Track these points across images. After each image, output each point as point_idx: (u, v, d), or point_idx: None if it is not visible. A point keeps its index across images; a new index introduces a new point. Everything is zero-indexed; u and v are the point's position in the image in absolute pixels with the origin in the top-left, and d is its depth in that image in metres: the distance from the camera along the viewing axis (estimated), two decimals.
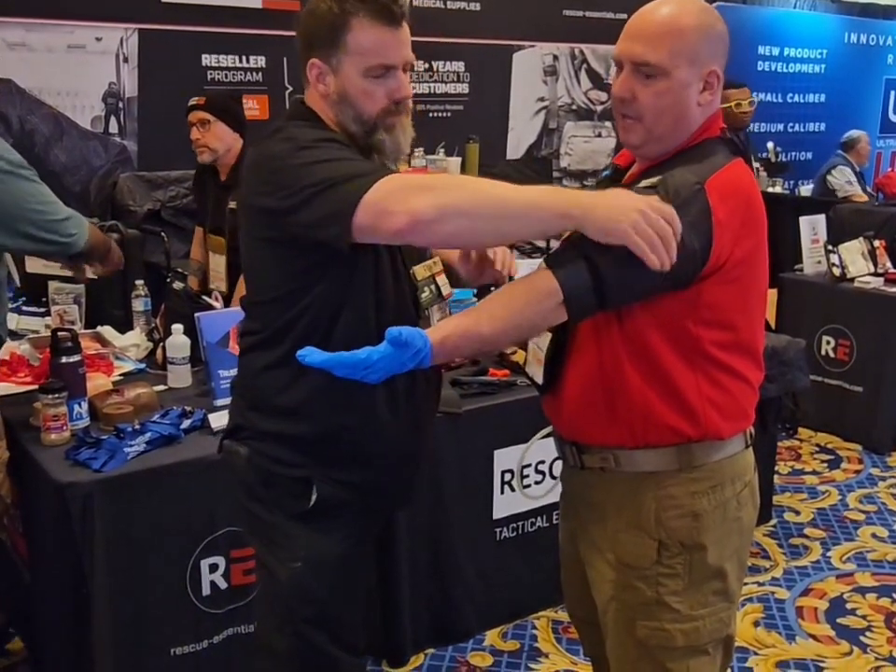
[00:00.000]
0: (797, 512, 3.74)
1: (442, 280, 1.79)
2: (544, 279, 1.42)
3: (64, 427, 2.23)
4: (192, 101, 3.17)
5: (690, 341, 1.53)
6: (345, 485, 1.66)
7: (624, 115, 1.56)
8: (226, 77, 4.70)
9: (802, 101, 7.41)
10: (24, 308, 2.99)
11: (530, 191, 1.41)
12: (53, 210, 2.23)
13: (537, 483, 2.79)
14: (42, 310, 2.99)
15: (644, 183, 1.48)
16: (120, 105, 4.44)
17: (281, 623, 1.71)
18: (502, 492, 2.75)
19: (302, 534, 1.65)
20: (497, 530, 2.78)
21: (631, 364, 1.53)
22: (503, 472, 2.74)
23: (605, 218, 1.36)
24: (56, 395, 2.21)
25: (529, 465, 2.78)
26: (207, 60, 4.65)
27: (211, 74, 4.68)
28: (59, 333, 2.36)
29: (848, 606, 3.04)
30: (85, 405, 2.31)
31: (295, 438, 1.63)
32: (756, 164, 5.70)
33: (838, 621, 2.95)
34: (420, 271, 1.71)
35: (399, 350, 1.36)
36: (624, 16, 4.78)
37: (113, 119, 4.43)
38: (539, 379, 1.65)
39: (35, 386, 2.36)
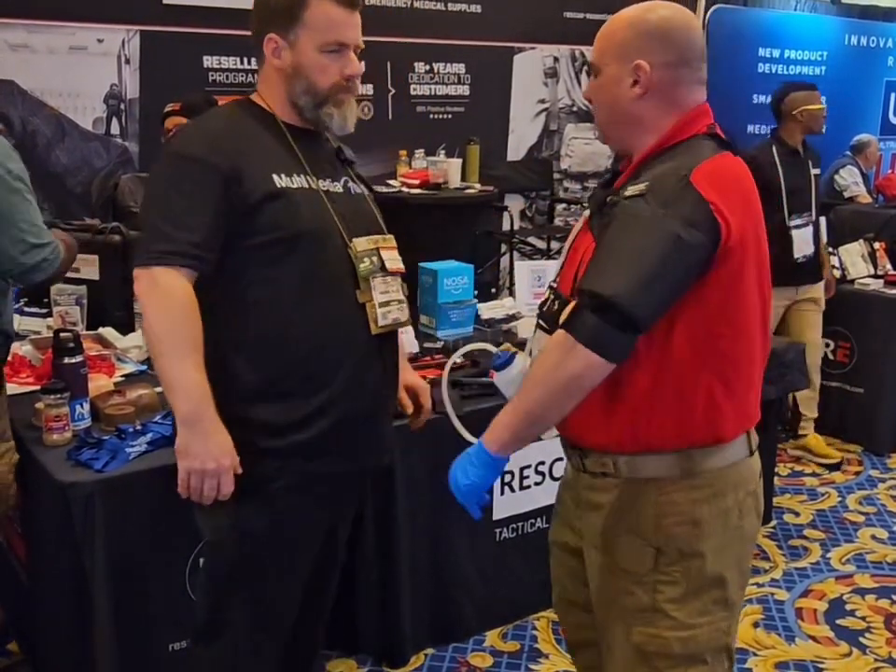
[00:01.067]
0: (797, 514, 3.74)
1: (390, 255, 1.84)
2: (554, 337, 1.50)
3: (66, 428, 2.23)
4: (168, 107, 3.20)
5: (705, 338, 1.54)
6: (272, 456, 1.71)
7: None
8: (227, 79, 4.71)
9: None
10: (26, 309, 2.99)
11: (183, 373, 1.62)
12: (34, 234, 2.16)
13: (537, 484, 2.80)
14: (44, 311, 2.99)
15: (630, 192, 1.50)
16: (122, 106, 4.45)
17: (204, 595, 1.79)
18: (502, 493, 2.76)
19: (229, 503, 1.69)
20: (497, 531, 2.78)
21: (644, 365, 1.52)
22: (503, 473, 2.74)
23: (189, 444, 1.61)
24: (58, 395, 2.21)
25: (529, 466, 2.78)
26: (209, 61, 4.66)
27: (213, 75, 4.68)
28: (61, 334, 2.36)
29: (848, 607, 3.05)
30: (87, 406, 2.31)
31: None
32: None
33: (837, 622, 2.95)
34: (361, 243, 1.78)
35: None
36: None
37: (115, 121, 4.44)
38: None
39: (37, 387, 2.37)
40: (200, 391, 1.62)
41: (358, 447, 1.82)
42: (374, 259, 1.79)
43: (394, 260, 1.84)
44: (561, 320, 1.47)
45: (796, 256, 3.94)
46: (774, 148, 3.96)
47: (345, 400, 1.75)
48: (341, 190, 1.81)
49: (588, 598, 1.79)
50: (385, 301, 1.79)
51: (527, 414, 1.53)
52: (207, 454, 1.62)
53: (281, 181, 1.69)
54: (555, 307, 1.61)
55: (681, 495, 1.59)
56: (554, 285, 1.68)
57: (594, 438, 1.63)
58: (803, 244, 3.96)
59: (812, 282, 4.08)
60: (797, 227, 3.94)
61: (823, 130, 4.11)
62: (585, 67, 5.93)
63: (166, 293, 1.62)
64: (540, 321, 1.68)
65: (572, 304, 1.47)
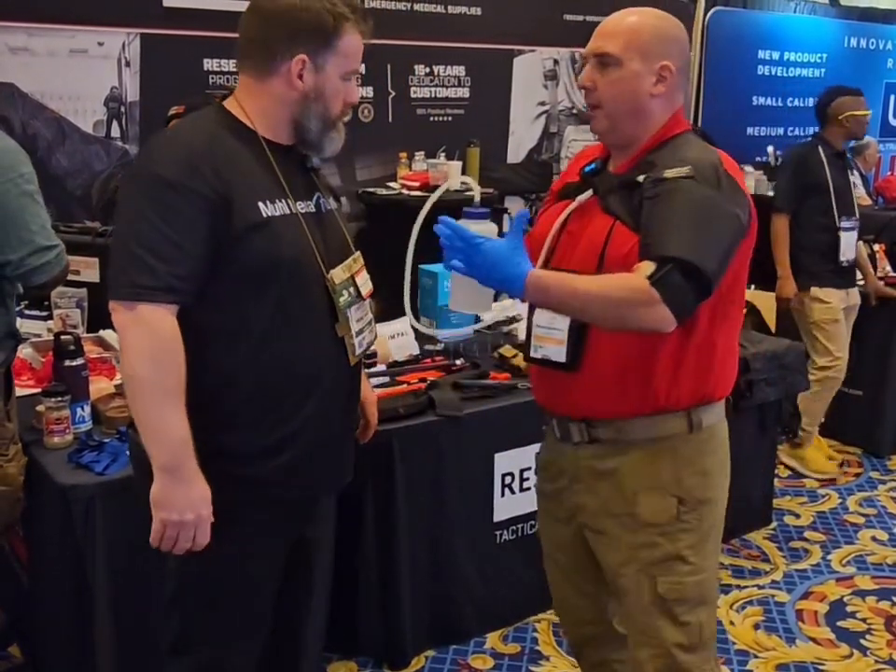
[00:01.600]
0: (797, 516, 3.74)
1: (362, 279, 1.81)
2: (634, 281, 1.55)
3: (67, 431, 2.24)
4: (172, 110, 3.19)
5: (724, 304, 1.70)
6: (240, 483, 1.66)
7: (590, 105, 1.77)
8: (227, 81, 4.70)
9: (802, 105, 7.40)
10: (27, 312, 2.99)
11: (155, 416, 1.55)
12: (44, 236, 2.17)
13: None
14: (45, 314, 2.99)
15: (672, 174, 1.61)
16: (122, 109, 4.45)
17: (173, 610, 1.75)
18: (503, 494, 2.76)
19: (203, 552, 1.64)
20: (498, 533, 2.79)
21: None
22: (503, 475, 2.75)
23: (168, 495, 1.56)
24: (59, 398, 2.22)
25: (529, 468, 2.78)
26: (209, 64, 4.65)
27: (213, 78, 4.68)
28: (62, 337, 2.37)
29: (848, 609, 3.05)
30: (87, 408, 2.32)
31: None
32: (748, 167, 5.72)
33: (838, 624, 2.95)
34: (339, 273, 1.73)
35: (509, 247, 1.55)
36: None
37: (115, 124, 4.44)
38: (562, 357, 1.73)
39: (38, 390, 2.37)
40: (181, 440, 1.55)
41: (326, 471, 1.79)
42: (351, 289, 1.75)
43: (365, 284, 1.81)
44: (644, 273, 1.53)
45: (842, 259, 3.95)
46: (820, 149, 3.97)
47: (315, 429, 1.70)
48: (314, 210, 1.75)
49: (591, 589, 1.92)
50: (361, 329, 1.77)
51: (572, 309, 1.61)
52: (187, 504, 1.56)
53: (266, 209, 1.62)
54: None
55: (691, 447, 1.76)
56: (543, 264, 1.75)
57: (606, 406, 1.74)
58: (848, 247, 3.96)
59: (853, 286, 4.12)
60: (846, 229, 3.94)
61: (864, 136, 4.13)
62: (582, 62, 5.93)
63: (153, 334, 1.54)
64: None
65: (651, 263, 1.53)
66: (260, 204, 1.62)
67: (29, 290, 2.31)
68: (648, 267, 1.54)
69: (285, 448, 1.69)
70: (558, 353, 1.74)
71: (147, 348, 1.54)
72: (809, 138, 4.26)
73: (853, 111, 3.98)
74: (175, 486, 1.56)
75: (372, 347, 2.75)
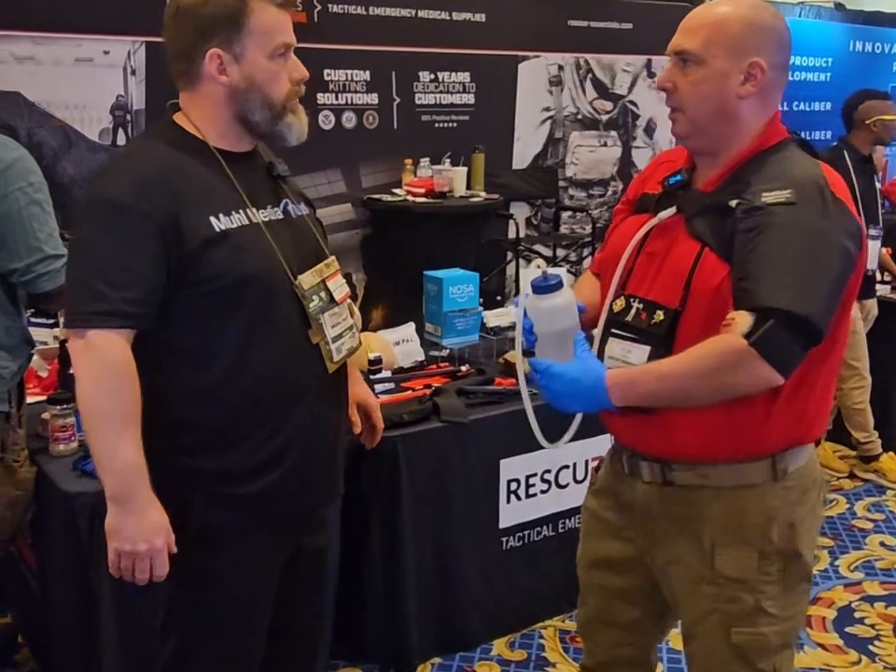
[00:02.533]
0: None
1: (336, 283, 1.75)
2: (732, 339, 1.42)
3: (73, 438, 2.24)
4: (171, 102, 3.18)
5: (829, 345, 1.53)
6: (226, 503, 1.65)
7: (671, 107, 1.59)
8: None
9: (808, 109, 7.40)
10: (32, 320, 2.99)
11: (119, 449, 1.52)
12: (50, 245, 2.17)
13: (543, 492, 2.79)
14: (50, 321, 2.99)
15: (773, 198, 1.45)
16: (128, 117, 4.46)
17: (167, 630, 1.74)
18: (508, 501, 2.75)
19: (164, 586, 1.63)
20: (504, 539, 2.78)
21: None
22: (509, 481, 2.74)
23: (119, 525, 1.53)
24: (64, 406, 2.22)
25: (535, 474, 2.78)
26: None
27: None
28: (67, 345, 2.37)
29: (857, 615, 3.03)
30: None
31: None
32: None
33: (846, 630, 2.94)
34: (307, 279, 1.68)
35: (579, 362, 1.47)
36: (629, 25, 4.88)
37: (121, 132, 4.45)
38: None
39: (44, 398, 2.37)
40: (132, 470, 1.52)
41: (314, 485, 1.75)
42: (322, 294, 1.69)
43: (340, 288, 1.75)
44: (740, 331, 1.40)
45: (868, 267, 3.86)
46: (846, 154, 3.89)
47: (301, 443, 1.67)
48: (281, 216, 1.70)
49: (638, 615, 1.78)
50: (338, 335, 1.71)
51: (667, 395, 1.48)
52: (138, 534, 1.53)
53: (220, 223, 1.57)
54: (650, 318, 1.55)
55: (777, 498, 1.60)
56: (624, 291, 1.62)
57: (687, 449, 1.59)
58: (873, 257, 3.89)
59: (873, 297, 4.08)
60: (872, 238, 3.86)
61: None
62: (590, 75, 5.93)
63: (101, 361, 1.51)
64: (617, 330, 1.60)
65: (748, 316, 1.40)
66: (212, 219, 1.57)
67: (35, 301, 2.31)
68: (744, 321, 1.40)
69: (276, 464, 1.65)
70: None
71: (96, 376, 1.52)
72: (834, 143, 4.15)
73: (882, 115, 3.90)
74: (126, 516, 1.53)
75: (377, 354, 2.78)
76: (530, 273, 1.65)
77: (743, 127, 1.57)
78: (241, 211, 1.62)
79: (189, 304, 1.58)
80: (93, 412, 1.54)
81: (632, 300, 1.60)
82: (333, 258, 1.79)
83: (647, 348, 1.54)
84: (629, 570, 1.75)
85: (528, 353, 1.59)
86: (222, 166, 1.63)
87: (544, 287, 1.52)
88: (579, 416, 1.65)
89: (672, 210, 1.59)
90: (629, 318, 1.59)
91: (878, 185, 4.07)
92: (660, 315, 1.54)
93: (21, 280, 2.18)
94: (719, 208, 1.53)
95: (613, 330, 1.61)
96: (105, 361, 1.51)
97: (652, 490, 1.66)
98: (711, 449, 1.58)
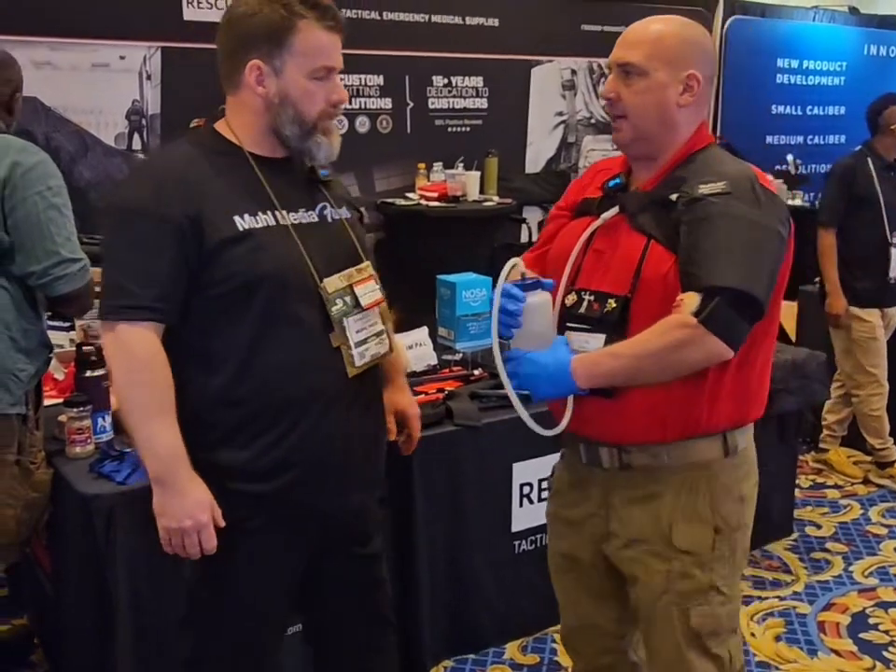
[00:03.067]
0: (819, 526, 3.71)
1: (365, 288, 1.76)
2: (677, 319, 1.54)
3: (89, 441, 2.26)
4: (193, 123, 3.20)
5: (763, 324, 1.63)
6: (244, 499, 1.68)
7: (614, 115, 1.71)
8: None
9: (822, 113, 7.37)
10: (49, 323, 3.00)
11: (157, 438, 1.60)
12: (68, 248, 2.20)
13: None
14: (67, 325, 3.01)
15: (708, 190, 1.58)
16: (144, 121, 4.49)
17: (189, 626, 1.79)
18: (521, 505, 2.76)
19: (220, 556, 1.67)
20: (516, 543, 2.78)
21: None
22: (522, 485, 2.75)
23: (164, 504, 1.61)
24: (81, 408, 2.24)
25: (547, 478, 2.77)
26: None
27: None
28: (83, 348, 2.39)
29: (871, 621, 3.02)
30: (109, 418, 2.34)
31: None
32: (769, 176, 5.65)
33: (860, 636, 2.93)
34: (333, 282, 1.71)
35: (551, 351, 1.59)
36: None
37: (136, 136, 4.48)
38: None
39: (61, 400, 2.39)
40: (169, 451, 1.60)
41: (332, 490, 1.75)
42: (347, 298, 1.71)
43: (370, 294, 1.77)
44: (689, 309, 1.51)
45: (891, 276, 3.86)
46: (869, 160, 3.85)
47: (317, 445, 1.69)
48: (315, 220, 1.74)
49: (613, 615, 1.85)
50: (363, 340, 1.73)
51: (628, 374, 1.58)
52: (182, 512, 1.60)
53: (244, 223, 1.62)
54: (603, 307, 1.65)
55: (727, 474, 1.71)
56: (571, 285, 1.71)
57: (643, 431, 1.67)
58: None
59: (895, 304, 4.01)
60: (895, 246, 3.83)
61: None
62: (603, 79, 5.93)
63: (130, 351, 1.59)
64: (572, 322, 1.69)
65: (696, 296, 1.51)
66: (236, 218, 1.62)
67: (53, 304, 2.34)
68: (692, 300, 1.51)
69: (289, 465, 1.68)
70: None
71: (126, 367, 1.61)
72: (858, 147, 4.09)
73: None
74: (169, 497, 1.61)
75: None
76: (505, 270, 1.69)
77: (680, 133, 1.70)
78: (269, 212, 1.67)
79: (204, 304, 1.63)
80: (126, 401, 1.63)
81: (583, 293, 1.70)
82: (368, 263, 1.81)
83: (602, 336, 1.65)
84: (594, 566, 1.82)
85: (504, 345, 1.68)
86: (253, 169, 1.68)
87: (527, 285, 1.66)
88: (570, 403, 1.70)
89: (615, 210, 1.70)
90: (582, 310, 1.69)
91: None
92: (612, 304, 1.65)
93: (38, 283, 2.20)
94: (661, 203, 1.64)
95: (568, 324, 1.70)
96: (133, 352, 1.60)
97: (610, 476, 1.74)
98: (663, 429, 1.66)
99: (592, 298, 1.68)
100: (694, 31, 1.71)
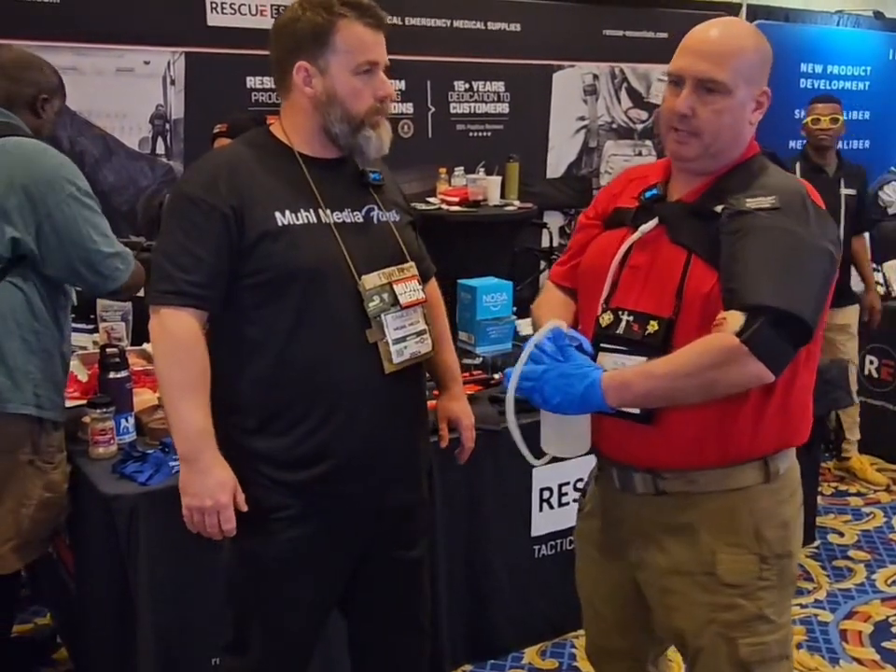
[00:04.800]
0: (841, 534, 3.68)
1: (405, 287, 1.79)
2: (719, 340, 1.45)
3: (112, 442, 2.28)
4: (216, 128, 3.23)
5: (809, 348, 1.56)
6: (279, 488, 1.72)
7: (684, 131, 1.58)
8: (269, 99, 4.77)
9: (846, 118, 7.33)
10: (73, 325, 3.04)
11: (188, 417, 1.66)
12: (107, 244, 2.26)
13: (575, 500, 2.79)
14: (90, 327, 3.05)
15: (755, 204, 1.49)
16: (167, 126, 4.53)
17: (230, 610, 1.83)
18: (541, 509, 2.75)
19: (238, 538, 1.72)
20: (536, 547, 2.78)
21: None
22: (542, 490, 2.74)
23: (187, 482, 1.67)
24: (104, 410, 2.26)
25: (568, 483, 2.77)
26: (252, 82, 4.72)
27: (255, 95, 4.75)
28: (107, 349, 2.41)
29: (894, 629, 3.00)
30: (131, 420, 2.36)
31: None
32: None
33: (883, 644, 2.90)
34: (371, 279, 1.74)
35: (570, 364, 1.49)
36: (665, 35, 4.85)
37: (160, 141, 4.52)
38: (634, 409, 1.57)
39: (84, 401, 2.41)
40: (197, 431, 1.66)
41: (369, 486, 1.78)
42: (385, 295, 1.74)
43: (410, 293, 1.79)
44: (732, 329, 1.42)
45: None
46: (798, 165, 3.85)
47: (353, 438, 1.72)
48: (361, 220, 1.78)
49: (638, 640, 1.81)
50: (402, 337, 1.76)
51: (662, 395, 1.50)
52: (204, 491, 1.65)
53: (284, 218, 1.68)
54: (644, 329, 1.56)
55: (768, 499, 1.62)
56: (610, 304, 1.62)
57: (680, 458, 1.60)
58: None
59: (835, 305, 3.98)
60: None
61: (828, 144, 3.91)
62: (625, 84, 5.92)
63: (170, 334, 1.66)
64: (607, 343, 1.60)
65: (739, 315, 1.42)
66: (277, 213, 1.68)
67: (111, 295, 2.44)
68: (735, 319, 1.42)
69: (322, 456, 1.72)
70: None
71: (164, 348, 1.68)
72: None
73: (808, 117, 3.87)
74: (193, 475, 1.67)
75: None
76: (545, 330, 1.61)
77: (741, 148, 1.62)
78: (311, 210, 1.72)
79: (247, 294, 1.69)
80: (163, 379, 1.70)
81: (620, 313, 1.60)
82: (412, 264, 1.83)
83: (642, 359, 1.55)
84: (623, 591, 1.75)
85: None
86: (301, 168, 1.73)
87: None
88: (588, 433, 1.62)
89: (654, 222, 1.61)
90: (620, 331, 1.59)
91: (846, 193, 3.91)
92: (654, 326, 1.55)
93: (89, 285, 2.27)
94: (703, 215, 1.55)
95: (603, 345, 1.62)
96: (171, 335, 1.66)
97: (645, 502, 1.66)
98: (701, 455, 1.58)
99: (631, 318, 1.58)
100: (765, 43, 1.61)
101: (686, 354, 1.47)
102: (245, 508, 1.69)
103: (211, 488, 1.65)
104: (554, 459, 1.68)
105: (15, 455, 2.21)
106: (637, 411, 1.57)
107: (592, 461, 1.81)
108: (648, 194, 1.67)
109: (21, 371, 2.20)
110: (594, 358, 1.59)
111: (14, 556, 2.28)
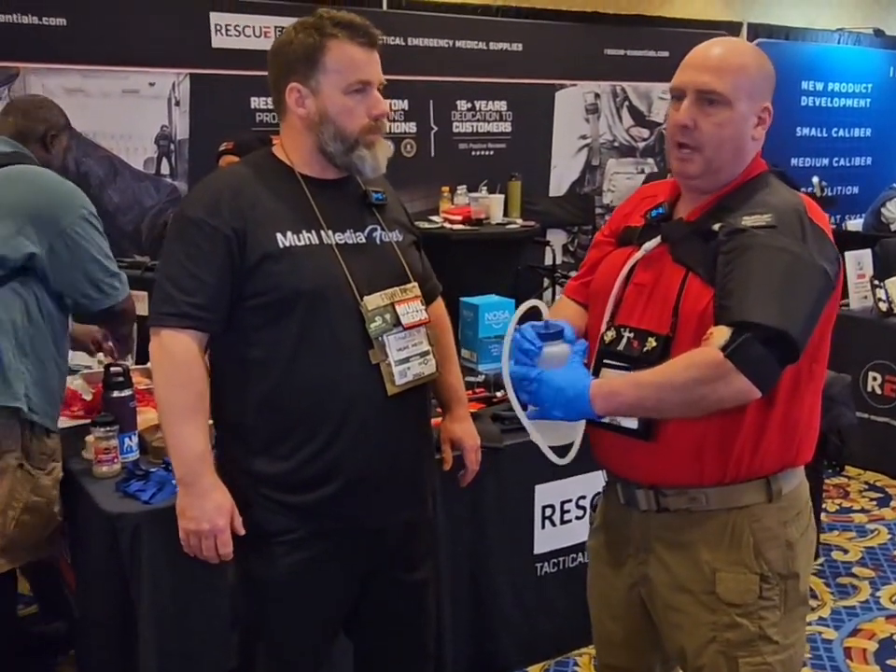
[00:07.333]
0: (845, 551, 3.67)
1: (407, 308, 1.79)
2: (705, 355, 1.45)
3: (115, 460, 2.28)
4: (222, 146, 3.26)
5: (810, 365, 1.57)
6: (283, 510, 1.72)
7: (682, 145, 1.59)
8: (273, 119, 4.81)
9: (847, 135, 7.36)
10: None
11: (184, 438, 1.66)
12: (110, 264, 2.38)
13: (578, 518, 2.79)
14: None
15: (752, 222, 1.50)
16: (172, 147, 4.57)
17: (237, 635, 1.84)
18: (543, 527, 2.75)
19: (235, 562, 1.73)
20: (538, 565, 2.77)
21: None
22: (544, 507, 2.74)
23: (185, 506, 1.67)
24: (108, 428, 2.27)
25: (570, 500, 2.77)
26: (256, 102, 4.77)
27: (259, 116, 4.80)
28: (111, 368, 2.42)
29: None
30: (135, 439, 2.36)
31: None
32: None
33: (888, 662, 2.88)
34: (374, 300, 1.74)
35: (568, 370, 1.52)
36: (666, 54, 4.89)
37: (165, 161, 4.56)
38: (634, 424, 1.59)
39: (88, 420, 2.43)
40: (195, 455, 1.66)
41: (373, 507, 1.77)
42: (388, 316, 1.74)
43: (412, 313, 1.78)
44: (717, 343, 1.42)
45: None
46: None
47: (354, 462, 1.72)
48: (363, 241, 1.78)
49: (647, 658, 1.80)
50: (405, 358, 1.75)
51: (649, 406, 1.51)
52: (202, 515, 1.65)
53: (285, 240, 1.68)
54: (643, 346, 1.57)
55: (771, 519, 1.61)
56: (611, 322, 1.64)
57: (680, 475, 1.60)
58: None
59: None
60: None
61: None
62: (626, 103, 5.96)
63: (169, 356, 1.66)
64: (609, 360, 1.62)
65: (726, 330, 1.43)
66: (279, 235, 1.68)
67: (105, 318, 2.47)
68: (721, 334, 1.43)
69: (327, 478, 1.71)
70: (629, 419, 1.59)
71: (164, 372, 1.68)
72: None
73: None
74: (191, 498, 1.66)
75: None
76: (520, 311, 1.64)
77: (743, 164, 1.62)
78: (313, 231, 1.72)
79: (247, 315, 1.68)
80: (162, 402, 1.69)
81: (622, 330, 1.62)
82: (414, 284, 1.83)
83: None
84: (631, 607, 1.75)
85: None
86: (303, 190, 1.74)
87: (549, 334, 1.59)
88: (581, 429, 1.66)
89: (657, 240, 1.62)
90: (621, 348, 1.61)
91: None
92: (652, 343, 1.57)
93: (90, 300, 2.34)
94: (703, 234, 1.56)
95: (605, 361, 1.63)
96: (171, 357, 1.67)
97: (648, 519, 1.67)
98: (702, 472, 1.59)
99: (631, 335, 1.60)
100: (767, 61, 1.63)
101: (672, 366, 1.48)
102: (242, 531, 1.68)
103: (208, 512, 1.65)
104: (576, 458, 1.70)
105: (4, 457, 2.24)
106: (634, 424, 1.58)
107: (595, 479, 1.82)
108: (654, 213, 1.68)
109: (13, 369, 2.24)
110: (587, 358, 1.62)
111: (1, 559, 2.30)
